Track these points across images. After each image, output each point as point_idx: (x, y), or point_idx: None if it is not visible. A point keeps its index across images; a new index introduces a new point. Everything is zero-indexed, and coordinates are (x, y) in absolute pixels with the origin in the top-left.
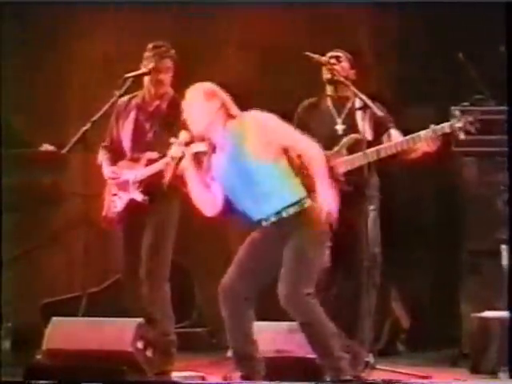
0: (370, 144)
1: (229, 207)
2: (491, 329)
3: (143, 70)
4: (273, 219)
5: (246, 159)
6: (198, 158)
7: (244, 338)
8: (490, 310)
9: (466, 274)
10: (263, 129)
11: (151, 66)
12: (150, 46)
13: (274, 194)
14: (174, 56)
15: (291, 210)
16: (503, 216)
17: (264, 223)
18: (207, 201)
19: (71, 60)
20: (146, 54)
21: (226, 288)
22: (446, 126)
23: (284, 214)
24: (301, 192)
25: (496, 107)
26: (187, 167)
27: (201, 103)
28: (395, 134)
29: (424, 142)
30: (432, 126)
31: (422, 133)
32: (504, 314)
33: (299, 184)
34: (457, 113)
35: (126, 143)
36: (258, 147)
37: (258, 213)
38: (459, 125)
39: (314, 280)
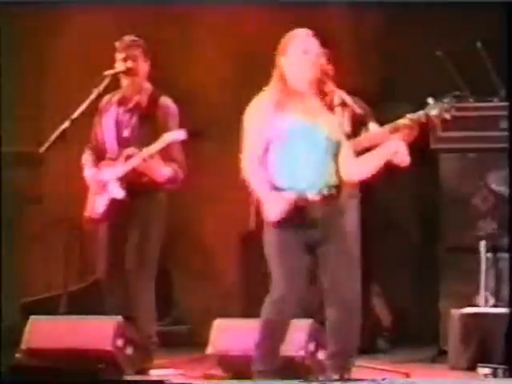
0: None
1: None
2: (470, 325)
3: (121, 67)
4: (325, 192)
5: (319, 129)
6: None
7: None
8: (469, 306)
9: (445, 271)
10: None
11: (121, 60)
12: (117, 42)
13: (329, 169)
14: (143, 44)
15: (335, 190)
16: (481, 212)
17: (311, 196)
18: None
19: (48, 58)
20: (117, 47)
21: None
22: (421, 114)
23: (333, 191)
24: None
25: (474, 103)
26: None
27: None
28: (373, 127)
29: (400, 132)
30: (408, 115)
31: (399, 121)
32: (481, 310)
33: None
34: (431, 100)
35: (109, 141)
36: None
37: (313, 183)
38: (434, 112)
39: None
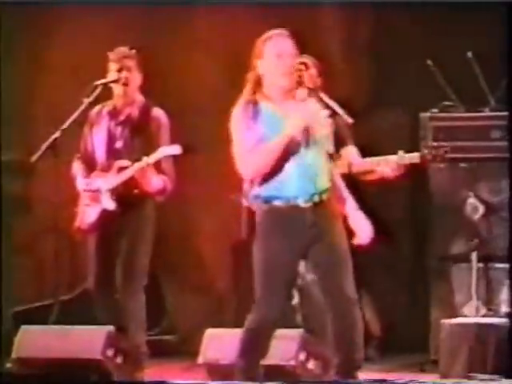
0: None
1: None
2: (460, 335)
3: (112, 77)
4: (316, 199)
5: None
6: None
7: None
8: (459, 316)
9: (435, 281)
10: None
11: (115, 70)
12: (112, 52)
13: (323, 174)
14: (136, 56)
15: (326, 196)
16: (472, 222)
17: (303, 204)
18: None
19: (39, 67)
20: (110, 58)
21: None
22: (415, 157)
23: (324, 197)
24: (329, 182)
25: (465, 113)
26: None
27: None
28: (353, 151)
29: (389, 166)
30: (401, 153)
31: (391, 158)
32: (472, 320)
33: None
34: (428, 144)
35: (99, 153)
36: (328, 125)
37: (303, 191)
38: (429, 157)
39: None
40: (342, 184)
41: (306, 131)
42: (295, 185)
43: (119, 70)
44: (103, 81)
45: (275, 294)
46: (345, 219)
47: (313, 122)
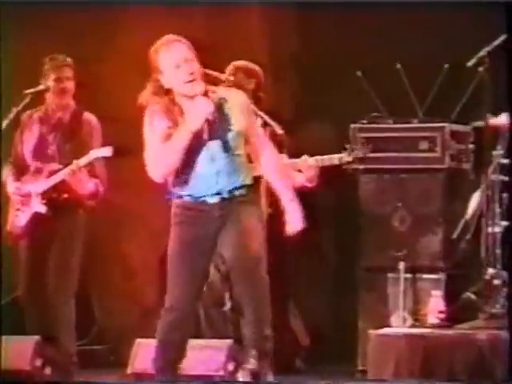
0: None
1: None
2: (387, 345)
3: (42, 86)
4: (225, 195)
5: (230, 128)
6: None
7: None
8: (386, 326)
9: (363, 291)
10: (248, 109)
11: (51, 79)
12: (47, 59)
13: (236, 171)
14: (72, 65)
15: (239, 192)
16: (400, 233)
17: (210, 200)
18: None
19: None
20: (45, 67)
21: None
22: (335, 158)
23: (236, 193)
24: (250, 179)
25: (392, 125)
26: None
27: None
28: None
29: (308, 168)
30: (319, 157)
31: (310, 159)
32: (399, 330)
33: (250, 172)
34: (348, 147)
35: (30, 157)
36: (242, 122)
37: (212, 188)
38: (348, 159)
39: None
40: (275, 177)
41: (209, 125)
42: (204, 182)
43: (58, 80)
44: (33, 90)
45: (185, 283)
46: (281, 212)
47: (215, 116)
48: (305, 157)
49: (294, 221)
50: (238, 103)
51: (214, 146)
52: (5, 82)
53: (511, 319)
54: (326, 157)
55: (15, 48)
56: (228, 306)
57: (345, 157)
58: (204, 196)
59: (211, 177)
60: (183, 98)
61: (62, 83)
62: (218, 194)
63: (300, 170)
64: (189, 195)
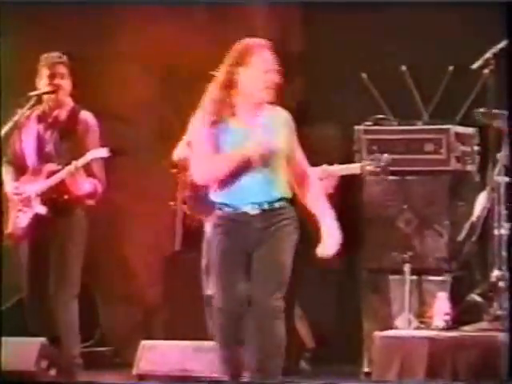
0: None
1: None
2: (392, 347)
3: (47, 88)
4: (265, 207)
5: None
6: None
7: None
8: (391, 328)
9: (368, 293)
10: (291, 129)
11: (45, 76)
12: (42, 57)
13: (276, 183)
14: (67, 62)
15: (279, 204)
16: (405, 234)
17: (251, 211)
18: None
19: None
20: (40, 65)
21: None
22: (356, 167)
23: (276, 205)
24: (289, 193)
25: (397, 127)
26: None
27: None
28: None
29: (328, 176)
30: (340, 165)
31: (330, 168)
32: (404, 332)
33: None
34: (371, 156)
35: (29, 157)
36: (284, 139)
37: (253, 199)
38: (370, 168)
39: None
40: (319, 190)
41: (265, 156)
42: (246, 193)
43: (51, 76)
44: (37, 92)
45: (230, 287)
46: (316, 226)
47: (273, 148)
48: (325, 166)
49: (330, 244)
50: (283, 121)
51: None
52: (4, 82)
53: None
54: (345, 166)
55: (15, 47)
56: None
57: (366, 165)
58: (244, 206)
59: (252, 188)
60: (245, 100)
61: (54, 79)
62: (259, 205)
63: (320, 178)
64: (230, 205)
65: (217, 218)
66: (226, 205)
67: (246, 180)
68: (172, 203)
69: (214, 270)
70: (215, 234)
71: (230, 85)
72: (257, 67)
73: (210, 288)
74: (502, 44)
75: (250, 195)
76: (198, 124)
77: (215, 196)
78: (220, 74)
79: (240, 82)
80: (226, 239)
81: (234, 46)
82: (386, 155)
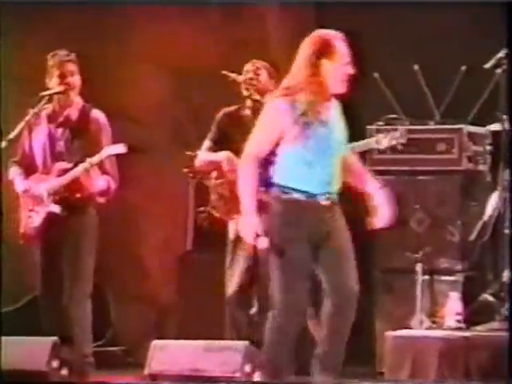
0: None
1: None
2: (404, 347)
3: (60, 88)
4: (333, 199)
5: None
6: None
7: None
8: (403, 328)
9: (380, 293)
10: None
11: (55, 75)
12: (49, 56)
13: (337, 176)
14: (76, 60)
15: (336, 198)
16: (417, 234)
17: (323, 201)
18: None
19: None
20: (48, 64)
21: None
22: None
23: (336, 198)
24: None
25: (409, 126)
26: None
27: None
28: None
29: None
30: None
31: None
32: (416, 332)
33: None
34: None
35: (39, 156)
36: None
37: (323, 189)
38: (386, 141)
39: None
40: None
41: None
42: (316, 182)
43: (61, 76)
44: (49, 92)
45: (296, 286)
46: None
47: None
48: None
49: (384, 215)
50: (340, 112)
51: (330, 142)
52: (4, 81)
53: None
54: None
55: (17, 46)
56: (255, 309)
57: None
58: (317, 195)
59: (326, 177)
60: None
61: (65, 78)
62: (330, 195)
63: None
64: (299, 191)
65: (281, 203)
66: (297, 190)
67: (320, 168)
68: (201, 208)
69: (278, 270)
70: (280, 222)
71: (315, 72)
72: (338, 59)
73: (271, 290)
74: None
75: (324, 184)
76: (281, 109)
77: (282, 178)
78: (302, 66)
79: (323, 73)
80: (295, 229)
81: (309, 37)
82: (401, 127)
